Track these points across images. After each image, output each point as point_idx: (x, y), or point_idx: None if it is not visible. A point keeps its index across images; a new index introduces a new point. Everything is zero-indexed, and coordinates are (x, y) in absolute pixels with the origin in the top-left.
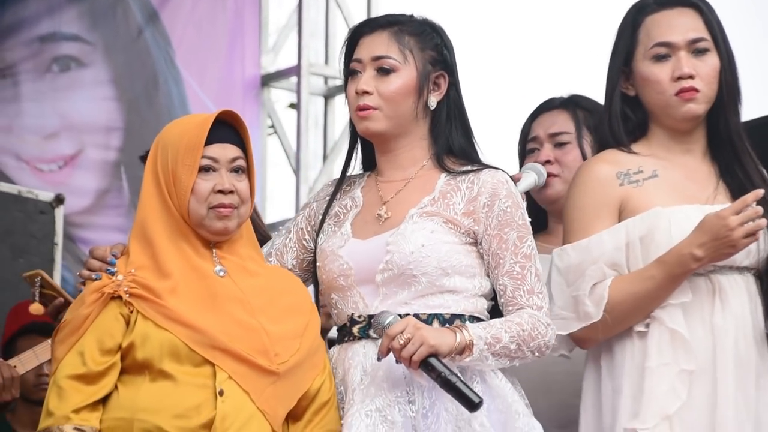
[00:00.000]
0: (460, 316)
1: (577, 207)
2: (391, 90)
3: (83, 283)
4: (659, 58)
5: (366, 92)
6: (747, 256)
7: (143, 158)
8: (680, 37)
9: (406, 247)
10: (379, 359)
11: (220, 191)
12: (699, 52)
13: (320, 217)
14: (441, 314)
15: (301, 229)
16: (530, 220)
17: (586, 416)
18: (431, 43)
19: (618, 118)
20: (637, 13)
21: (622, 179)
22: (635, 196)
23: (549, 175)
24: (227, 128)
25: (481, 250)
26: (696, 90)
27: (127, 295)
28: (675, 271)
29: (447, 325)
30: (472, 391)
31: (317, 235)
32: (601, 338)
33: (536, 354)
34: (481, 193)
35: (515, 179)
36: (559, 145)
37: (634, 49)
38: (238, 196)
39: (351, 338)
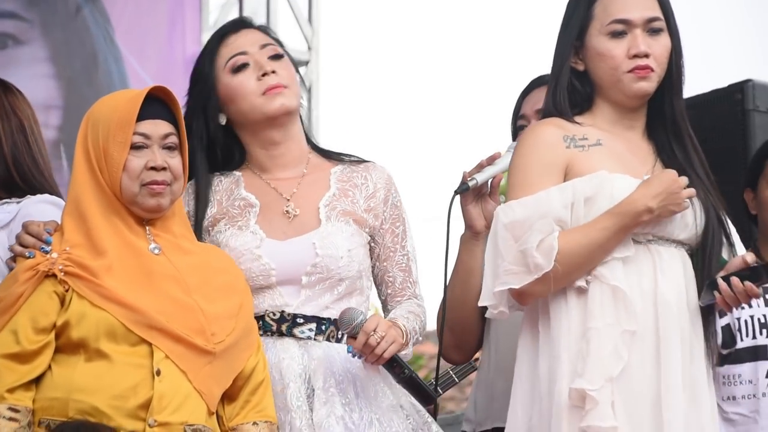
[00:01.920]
0: None
1: (523, 165)
2: (292, 73)
3: (14, 259)
4: (615, 35)
5: (274, 72)
6: (684, 230)
7: None
8: (638, 15)
9: (335, 251)
10: (354, 355)
11: (153, 168)
12: (654, 32)
13: (194, 220)
14: None
15: None
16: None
17: (521, 384)
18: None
19: (564, 90)
20: None
21: (568, 142)
22: (581, 160)
23: None
24: (159, 104)
25: (372, 244)
26: (650, 69)
27: (62, 274)
28: (626, 222)
29: None
30: (427, 387)
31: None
32: (548, 292)
33: (419, 341)
34: (378, 188)
35: (494, 158)
36: None
37: (588, 24)
38: (170, 172)
39: (270, 333)
